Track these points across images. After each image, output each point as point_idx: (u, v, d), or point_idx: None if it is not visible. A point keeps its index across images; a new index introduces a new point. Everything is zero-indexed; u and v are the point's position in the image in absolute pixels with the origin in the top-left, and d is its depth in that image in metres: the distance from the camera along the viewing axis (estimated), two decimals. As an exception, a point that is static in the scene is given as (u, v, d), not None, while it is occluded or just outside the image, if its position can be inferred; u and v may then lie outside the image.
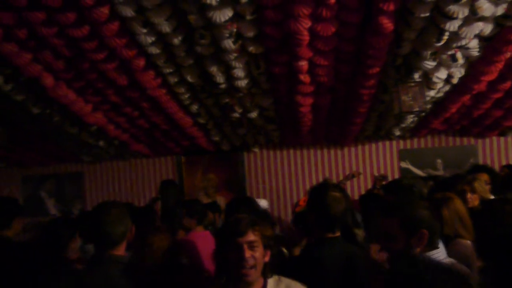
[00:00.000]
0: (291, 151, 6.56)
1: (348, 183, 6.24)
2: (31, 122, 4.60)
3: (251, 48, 3.14)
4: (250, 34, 2.94)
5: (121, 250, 2.08)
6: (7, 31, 2.81)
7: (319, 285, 2.07)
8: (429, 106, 4.41)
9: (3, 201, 3.34)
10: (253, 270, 1.75)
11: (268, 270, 1.84)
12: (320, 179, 6.32)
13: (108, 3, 2.59)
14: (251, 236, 1.77)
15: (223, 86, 3.72)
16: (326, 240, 2.28)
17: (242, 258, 1.74)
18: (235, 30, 2.88)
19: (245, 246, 1.75)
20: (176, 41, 2.97)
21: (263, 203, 5.39)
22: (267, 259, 1.82)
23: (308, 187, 6.36)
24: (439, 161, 6.31)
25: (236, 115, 4.53)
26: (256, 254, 1.76)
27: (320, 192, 2.37)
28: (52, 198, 7.18)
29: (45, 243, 2.87)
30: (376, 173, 6.11)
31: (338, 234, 2.32)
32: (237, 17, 2.77)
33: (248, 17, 2.76)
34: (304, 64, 3.33)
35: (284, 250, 3.12)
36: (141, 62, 3.26)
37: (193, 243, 3.31)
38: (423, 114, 4.68)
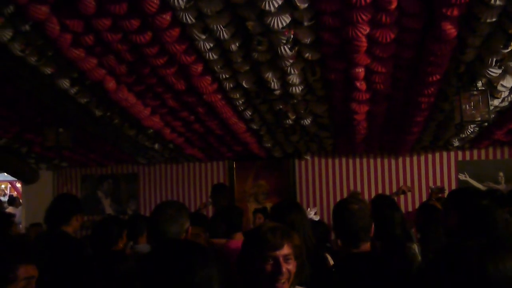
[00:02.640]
0: (344, 160, 6.46)
1: (403, 196, 6.06)
2: (93, 124, 4.83)
3: (307, 55, 3.13)
4: (307, 40, 2.93)
5: None
6: (75, 38, 2.96)
7: None
8: (492, 116, 4.21)
9: (64, 198, 3.51)
10: (286, 284, 1.69)
11: (295, 281, 1.77)
12: (374, 189, 6.18)
13: (170, 10, 2.67)
14: (287, 249, 1.70)
15: (277, 92, 3.73)
16: (351, 255, 2.17)
17: (278, 272, 1.67)
18: (292, 36, 2.89)
19: (282, 259, 1.69)
20: (234, 47, 3.02)
21: (313, 212, 5.34)
22: (295, 269, 1.75)
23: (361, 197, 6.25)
24: (501, 174, 5.99)
25: (290, 121, 4.53)
26: (290, 267, 1.70)
27: (338, 207, 2.30)
28: (108, 198, 7.47)
29: (96, 239, 3.02)
30: (432, 185, 5.90)
31: (364, 249, 2.18)
32: (295, 23, 2.77)
33: (306, 23, 2.75)
34: (361, 70, 3.28)
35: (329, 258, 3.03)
36: (199, 68, 3.34)
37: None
38: (486, 124, 4.46)
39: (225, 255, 3.21)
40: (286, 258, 1.70)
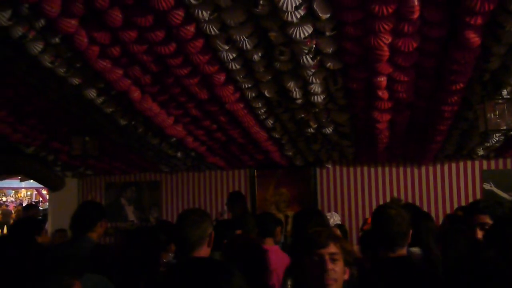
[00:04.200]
0: (365, 169, 6.42)
1: (426, 205, 5.99)
2: (118, 133, 4.94)
3: (329, 64, 3.15)
4: (329, 50, 2.95)
5: (202, 253, 2.16)
6: (102, 49, 3.05)
7: None
8: (518, 124, 4.14)
9: (89, 205, 3.59)
10: (334, 285, 1.71)
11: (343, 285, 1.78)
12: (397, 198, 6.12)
13: (194, 21, 2.73)
14: (333, 248, 1.74)
15: (299, 101, 3.75)
16: (387, 259, 2.20)
17: (324, 270, 1.70)
18: (314, 46, 2.91)
19: (327, 257, 1.72)
20: (256, 57, 3.06)
21: (335, 217, 5.32)
22: (346, 277, 1.77)
23: (382, 205, 6.19)
24: (527, 183, 5.86)
25: (311, 130, 4.54)
26: (337, 268, 1.73)
27: (379, 210, 2.35)
28: (131, 205, 7.58)
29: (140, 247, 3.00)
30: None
31: (400, 253, 2.21)
32: (317, 33, 2.80)
33: (328, 33, 2.77)
34: (383, 80, 3.28)
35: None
36: (222, 77, 3.38)
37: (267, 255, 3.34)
38: (511, 133, 4.39)
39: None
40: (332, 257, 1.74)
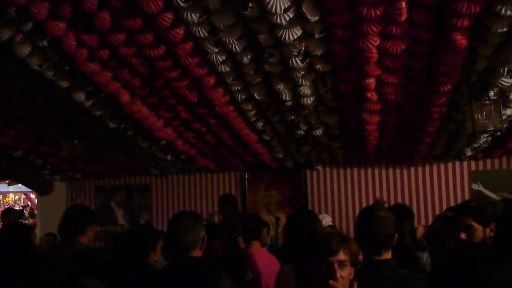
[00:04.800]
0: (355, 170, 6.45)
1: (415, 206, 6.04)
2: (107, 136, 4.91)
3: (318, 66, 3.16)
4: (318, 52, 2.97)
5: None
6: (91, 52, 3.03)
7: None
8: (505, 125, 4.19)
9: (79, 209, 3.56)
10: None
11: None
12: (385, 200, 6.16)
13: (183, 24, 2.73)
14: (342, 255, 1.72)
15: (289, 103, 3.76)
16: (373, 262, 2.17)
17: (333, 277, 1.70)
18: (303, 48, 2.93)
19: (336, 265, 1.71)
20: (246, 59, 3.06)
21: (327, 218, 5.35)
22: (351, 277, 1.77)
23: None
24: (515, 183, 5.92)
25: (301, 132, 4.55)
26: (344, 274, 1.72)
27: (365, 213, 2.30)
28: (121, 208, 7.54)
29: (128, 249, 3.00)
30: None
31: (385, 257, 2.19)
32: (306, 35, 2.81)
33: (317, 36, 2.79)
34: (372, 81, 3.31)
35: None
36: (211, 80, 3.38)
37: (253, 258, 3.34)
38: (498, 133, 4.44)
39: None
40: (341, 264, 1.73)
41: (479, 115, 3.48)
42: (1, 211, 9.71)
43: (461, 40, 2.70)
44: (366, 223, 2.22)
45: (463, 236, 2.62)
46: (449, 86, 3.34)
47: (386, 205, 5.34)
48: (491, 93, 3.39)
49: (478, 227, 2.61)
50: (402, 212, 3.10)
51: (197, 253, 2.23)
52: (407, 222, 3.10)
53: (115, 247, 3.01)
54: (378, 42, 2.80)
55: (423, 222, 5.93)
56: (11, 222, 5.14)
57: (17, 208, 13.77)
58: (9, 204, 19.14)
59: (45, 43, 2.91)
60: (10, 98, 4.07)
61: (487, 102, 3.44)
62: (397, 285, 2.07)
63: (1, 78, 3.56)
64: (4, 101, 4.14)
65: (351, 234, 6.06)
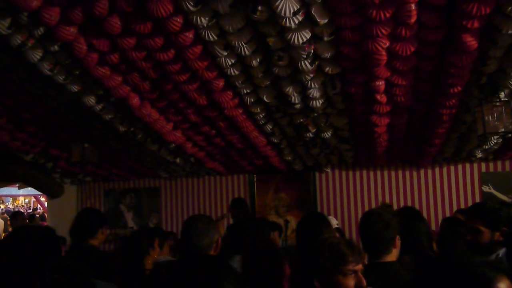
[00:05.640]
0: (364, 172, 6.43)
1: (425, 209, 6.00)
2: (117, 139, 4.94)
3: (327, 69, 3.16)
4: (327, 54, 2.97)
5: None
6: (101, 56, 3.06)
7: None
8: (516, 127, 4.16)
9: (90, 212, 3.60)
10: None
11: None
12: (395, 202, 6.13)
13: (193, 28, 2.74)
14: (356, 265, 1.77)
15: (298, 106, 3.76)
16: (375, 265, 2.18)
17: (362, 285, 1.74)
18: (312, 51, 2.93)
19: (352, 275, 1.76)
20: (255, 62, 3.07)
21: (333, 221, 5.34)
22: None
23: (381, 209, 6.19)
24: (526, 185, 5.87)
25: (310, 134, 4.55)
26: (353, 282, 1.76)
27: (368, 216, 2.32)
28: (130, 211, 7.57)
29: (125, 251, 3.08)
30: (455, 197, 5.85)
31: (389, 259, 2.20)
32: (315, 38, 2.81)
33: (326, 38, 2.79)
34: (381, 83, 3.30)
35: None
36: (221, 83, 3.40)
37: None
38: (509, 135, 4.40)
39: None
40: (356, 274, 1.79)
41: (490, 117, 3.46)
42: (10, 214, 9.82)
43: (471, 41, 2.69)
44: (368, 226, 2.23)
45: (469, 237, 2.62)
46: (459, 88, 3.33)
47: (390, 208, 5.31)
48: (502, 95, 3.37)
49: (486, 231, 2.59)
50: (417, 215, 3.09)
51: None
52: (423, 225, 3.08)
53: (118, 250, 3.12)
54: (388, 44, 2.79)
55: (433, 225, 5.89)
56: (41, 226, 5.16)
57: (22, 211, 13.87)
58: (18, 207, 19.32)
59: (56, 47, 2.94)
60: (22, 103, 4.12)
61: (497, 103, 3.42)
62: (396, 285, 2.07)
63: (12, 82, 3.60)
64: (16, 105, 4.19)
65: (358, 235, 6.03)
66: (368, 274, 2.10)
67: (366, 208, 6.31)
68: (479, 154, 5.50)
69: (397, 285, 2.08)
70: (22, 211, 13.16)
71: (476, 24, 2.55)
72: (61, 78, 3.27)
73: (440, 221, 5.64)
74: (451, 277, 1.24)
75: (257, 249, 2.68)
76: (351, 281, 1.73)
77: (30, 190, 12.62)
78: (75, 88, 3.45)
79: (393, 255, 2.22)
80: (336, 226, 5.26)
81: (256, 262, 2.56)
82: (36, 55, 2.95)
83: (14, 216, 8.10)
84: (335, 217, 6.27)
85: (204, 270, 1.33)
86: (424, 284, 1.30)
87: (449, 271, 1.27)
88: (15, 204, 20.59)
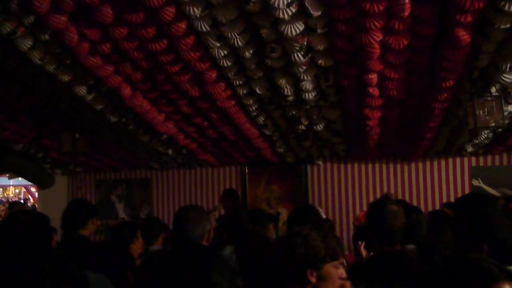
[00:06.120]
0: (356, 165, 6.46)
1: (415, 202, 6.04)
2: (108, 130, 4.90)
3: (320, 61, 3.16)
4: (320, 47, 2.96)
5: None
6: (93, 46, 3.02)
7: None
8: (506, 121, 4.18)
9: (80, 203, 3.61)
10: None
11: None
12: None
13: (185, 18, 2.72)
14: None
15: (290, 98, 3.76)
16: (386, 254, 2.25)
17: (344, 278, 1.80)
18: (305, 43, 2.92)
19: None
20: (248, 54, 3.05)
21: (321, 212, 5.36)
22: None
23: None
24: (515, 180, 5.93)
25: (302, 127, 4.55)
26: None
27: (378, 206, 2.38)
28: (121, 202, 7.55)
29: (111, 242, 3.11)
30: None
31: (397, 248, 2.28)
32: (308, 30, 2.80)
33: (319, 31, 2.78)
34: (374, 77, 3.30)
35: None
36: (213, 74, 3.38)
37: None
38: (500, 130, 4.44)
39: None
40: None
41: (481, 111, 3.48)
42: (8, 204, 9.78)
43: (464, 36, 2.69)
44: (380, 216, 2.28)
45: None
46: (451, 82, 3.34)
47: (394, 198, 5.34)
48: (493, 90, 3.38)
49: None
50: (415, 208, 3.15)
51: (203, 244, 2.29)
52: (422, 217, 3.13)
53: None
54: (381, 37, 2.79)
55: (423, 217, 5.93)
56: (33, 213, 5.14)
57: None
58: (9, 197, 19.17)
59: (46, 36, 2.90)
60: (12, 92, 4.07)
61: (489, 98, 3.43)
62: (411, 275, 2.11)
63: (2, 71, 3.55)
64: (6, 94, 4.13)
65: (351, 229, 6.08)
66: (381, 262, 2.19)
67: (357, 201, 6.36)
68: (470, 148, 5.54)
69: (408, 272, 2.14)
70: (19, 201, 13.09)
71: (469, 19, 2.55)
72: (52, 68, 3.24)
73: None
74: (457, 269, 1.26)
75: (250, 240, 2.70)
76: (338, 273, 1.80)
77: (20, 181, 12.50)
78: (66, 78, 3.41)
79: (399, 245, 2.31)
80: (324, 216, 5.29)
81: (249, 253, 2.58)
82: (26, 43, 2.91)
83: (10, 206, 8.04)
84: (326, 208, 6.31)
85: (194, 260, 1.34)
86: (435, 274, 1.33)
87: (458, 263, 1.30)
88: (5, 194, 20.42)
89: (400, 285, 2.05)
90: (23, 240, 2.02)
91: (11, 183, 16.36)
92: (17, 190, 20.57)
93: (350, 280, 1.86)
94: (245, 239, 2.75)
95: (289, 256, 1.81)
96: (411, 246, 2.90)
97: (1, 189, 20.11)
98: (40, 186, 7.52)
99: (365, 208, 6.14)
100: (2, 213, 12.67)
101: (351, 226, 6.14)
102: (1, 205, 14.83)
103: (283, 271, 1.84)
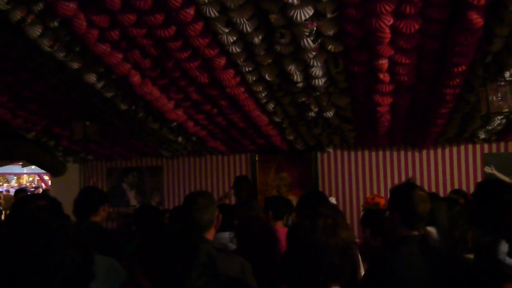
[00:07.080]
0: (366, 152, 6.42)
1: (426, 189, 6.00)
2: (119, 117, 4.93)
3: (330, 47, 3.13)
4: (330, 32, 2.93)
5: (209, 235, 2.26)
6: (102, 33, 3.02)
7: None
8: (520, 107, 4.12)
9: (91, 190, 3.64)
10: None
11: None
12: (396, 182, 6.13)
13: (193, 4, 2.70)
14: None
15: (300, 84, 3.73)
16: (411, 237, 2.24)
17: None
18: (315, 28, 2.89)
19: None
20: (257, 40, 3.03)
21: (332, 200, 5.35)
22: None
23: (383, 190, 6.20)
24: (529, 166, 5.85)
25: (312, 114, 4.53)
26: None
27: (407, 190, 2.36)
28: (133, 190, 7.61)
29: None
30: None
31: (423, 232, 2.30)
32: (318, 15, 2.77)
33: (329, 15, 2.75)
34: (384, 62, 3.26)
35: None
36: (222, 61, 3.36)
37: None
38: (513, 115, 4.38)
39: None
40: None
41: (494, 97, 3.43)
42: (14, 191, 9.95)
43: (477, 19, 2.64)
44: (409, 200, 2.27)
45: None
46: (464, 67, 3.29)
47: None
48: (507, 74, 3.32)
49: None
50: (434, 194, 3.14)
51: (212, 231, 2.30)
52: (442, 203, 3.11)
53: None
54: (391, 22, 2.75)
55: (434, 205, 5.89)
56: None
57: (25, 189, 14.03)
58: (23, 185, 19.48)
59: (56, 23, 2.91)
60: (22, 80, 4.10)
61: (502, 83, 3.38)
62: (436, 259, 2.15)
63: (13, 59, 3.58)
64: (17, 83, 4.17)
65: (360, 215, 6.06)
66: (407, 245, 2.20)
67: (368, 188, 6.33)
68: (482, 135, 5.47)
69: (433, 256, 2.17)
70: (24, 188, 13.31)
71: (482, 1, 2.50)
72: (62, 55, 3.25)
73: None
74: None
75: (251, 227, 2.71)
76: None
77: (33, 169, 12.67)
78: (75, 65, 3.43)
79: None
80: (334, 202, 5.28)
81: (249, 240, 2.60)
82: (36, 31, 2.93)
83: (16, 193, 8.19)
84: (336, 196, 6.30)
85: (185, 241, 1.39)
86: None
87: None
88: (19, 182, 20.75)
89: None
90: (43, 233, 2.04)
91: (25, 171, 16.60)
92: (30, 178, 20.88)
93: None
94: (245, 225, 2.77)
95: None
96: (431, 229, 2.90)
97: (16, 177, 20.42)
98: (53, 174, 7.61)
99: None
100: (2, 201, 12.94)
101: (360, 212, 6.14)
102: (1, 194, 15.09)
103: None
